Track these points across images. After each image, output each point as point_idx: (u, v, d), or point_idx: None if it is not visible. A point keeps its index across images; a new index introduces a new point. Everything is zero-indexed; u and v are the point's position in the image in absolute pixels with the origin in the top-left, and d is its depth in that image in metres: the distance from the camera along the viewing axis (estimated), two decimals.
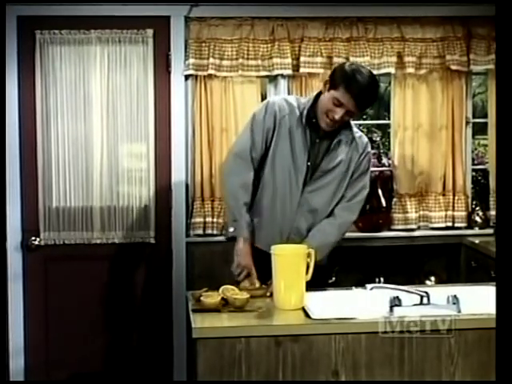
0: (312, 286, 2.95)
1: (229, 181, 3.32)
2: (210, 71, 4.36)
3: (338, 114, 3.15)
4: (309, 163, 3.28)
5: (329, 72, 4.42)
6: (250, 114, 4.35)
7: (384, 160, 5.17)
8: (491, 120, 4.62)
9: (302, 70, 4.43)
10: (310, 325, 2.71)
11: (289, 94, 4.47)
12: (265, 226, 3.33)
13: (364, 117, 6.28)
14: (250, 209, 3.31)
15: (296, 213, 3.30)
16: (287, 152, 3.27)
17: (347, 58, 4.43)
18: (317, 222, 3.32)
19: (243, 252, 3.23)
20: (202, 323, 2.73)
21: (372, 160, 3.51)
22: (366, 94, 3.16)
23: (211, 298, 2.87)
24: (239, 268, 3.23)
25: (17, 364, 4.42)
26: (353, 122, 3.41)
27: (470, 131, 4.68)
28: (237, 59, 4.38)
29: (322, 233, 3.29)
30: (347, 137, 3.31)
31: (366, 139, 3.43)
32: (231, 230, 3.29)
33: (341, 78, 3.15)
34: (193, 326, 2.70)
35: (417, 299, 2.83)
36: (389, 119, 4.73)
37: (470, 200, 4.68)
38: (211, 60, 4.36)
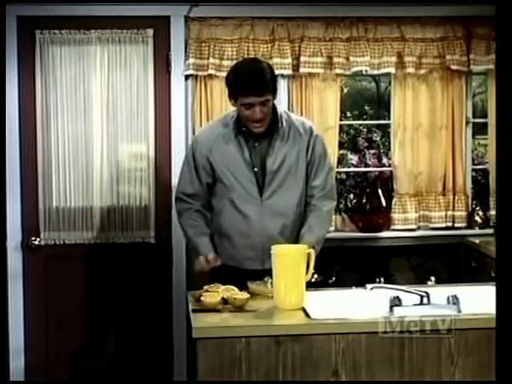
0: None
1: (179, 221, 3.45)
2: (210, 71, 4.36)
3: (256, 113, 3.15)
4: (255, 169, 3.27)
5: (329, 72, 4.48)
6: None
7: (384, 160, 5.18)
8: (491, 120, 4.62)
9: (302, 69, 4.43)
10: (310, 325, 2.71)
11: (289, 93, 4.48)
12: (236, 245, 3.32)
13: (364, 117, 6.29)
14: (212, 236, 3.38)
15: (263, 222, 3.27)
16: (229, 170, 3.28)
17: (347, 58, 4.43)
18: (289, 223, 3.29)
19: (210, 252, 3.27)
20: (202, 323, 2.73)
21: (325, 142, 3.43)
22: (252, 79, 3.15)
23: (211, 297, 2.87)
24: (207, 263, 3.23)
25: (17, 364, 4.42)
26: (292, 113, 3.43)
27: (470, 131, 4.68)
28: (237, 59, 4.38)
29: (314, 230, 3.27)
30: (283, 130, 3.28)
31: (308, 124, 3.39)
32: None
33: (229, 87, 3.24)
34: (193, 325, 2.70)
35: (417, 299, 2.83)
36: (389, 119, 4.73)
37: (470, 200, 4.69)
38: (211, 60, 4.36)
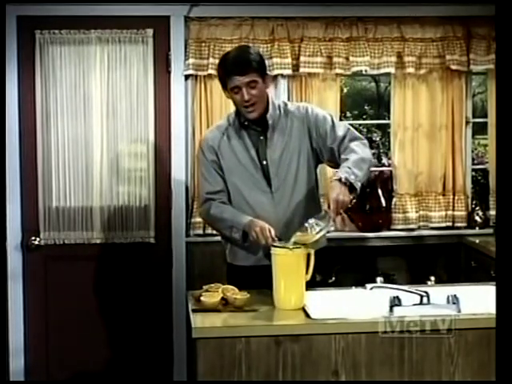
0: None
1: (208, 218, 3.36)
2: (210, 71, 4.36)
3: (244, 94, 3.15)
4: (264, 162, 3.26)
5: (329, 71, 4.48)
6: None
7: (384, 160, 5.18)
8: (491, 120, 4.62)
9: (301, 69, 4.43)
10: (310, 325, 2.71)
11: (288, 93, 4.48)
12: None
13: (364, 117, 6.30)
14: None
15: (276, 214, 3.22)
16: (236, 166, 3.27)
17: (347, 58, 4.44)
18: (301, 212, 3.22)
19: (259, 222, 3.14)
20: (202, 323, 2.73)
21: (331, 115, 3.35)
22: (234, 59, 3.17)
23: (211, 297, 2.87)
24: (265, 231, 3.08)
25: (17, 364, 4.42)
26: (289, 102, 3.40)
27: (469, 131, 4.68)
28: None
29: (354, 154, 3.13)
30: (281, 120, 3.27)
31: (304, 105, 3.37)
32: (236, 234, 3.20)
33: (219, 76, 3.25)
34: (193, 325, 2.70)
35: (417, 299, 2.83)
36: (389, 119, 4.72)
37: (469, 200, 4.69)
38: (211, 60, 4.36)
